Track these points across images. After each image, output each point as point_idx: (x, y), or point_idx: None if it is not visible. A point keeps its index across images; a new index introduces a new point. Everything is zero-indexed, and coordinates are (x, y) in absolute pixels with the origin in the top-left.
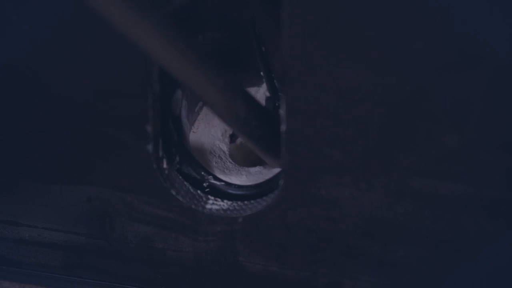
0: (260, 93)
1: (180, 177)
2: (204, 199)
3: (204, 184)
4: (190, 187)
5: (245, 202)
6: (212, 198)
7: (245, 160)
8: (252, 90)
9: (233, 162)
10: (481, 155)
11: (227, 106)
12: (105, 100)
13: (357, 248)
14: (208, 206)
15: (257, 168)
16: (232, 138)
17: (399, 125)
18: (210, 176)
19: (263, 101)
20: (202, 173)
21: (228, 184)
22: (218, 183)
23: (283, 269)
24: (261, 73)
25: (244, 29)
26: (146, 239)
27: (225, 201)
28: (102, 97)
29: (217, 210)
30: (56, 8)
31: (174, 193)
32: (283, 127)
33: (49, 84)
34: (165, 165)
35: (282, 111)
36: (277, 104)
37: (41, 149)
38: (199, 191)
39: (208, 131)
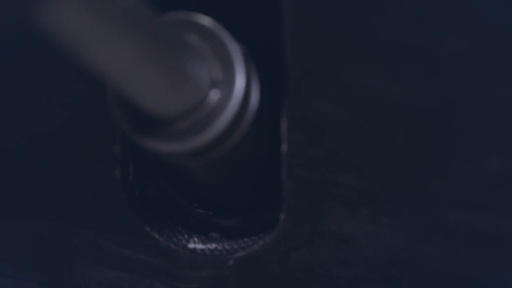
0: None
1: (156, 208)
2: (186, 236)
3: (188, 216)
4: (168, 221)
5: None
6: (196, 235)
7: None
8: None
9: None
10: None
11: None
12: (62, 115)
13: None
14: (191, 245)
15: None
16: None
17: (428, 145)
18: (196, 205)
19: None
20: (186, 201)
21: (219, 212)
22: (206, 212)
23: None
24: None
25: None
26: (113, 287)
27: (213, 237)
28: (58, 111)
29: (202, 250)
30: None
31: (148, 229)
32: (284, 147)
33: None
34: (136, 194)
35: (282, 128)
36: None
37: None
38: (179, 226)
39: None
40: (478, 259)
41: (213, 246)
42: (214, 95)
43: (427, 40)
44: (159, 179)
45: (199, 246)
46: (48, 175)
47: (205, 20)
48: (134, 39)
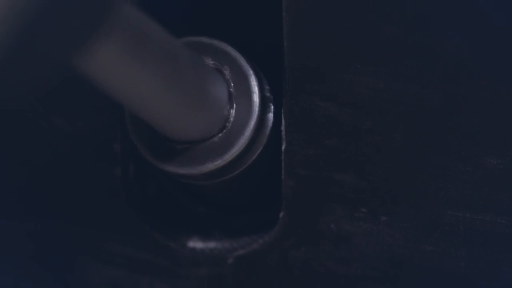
0: None
1: (156, 207)
2: (185, 235)
3: (188, 215)
4: (168, 220)
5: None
6: (196, 234)
7: None
8: None
9: None
10: None
11: None
12: (61, 112)
13: None
14: (191, 244)
15: None
16: None
17: (427, 144)
18: (197, 204)
19: None
20: (187, 201)
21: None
22: (207, 211)
23: None
24: None
25: None
26: (113, 285)
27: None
28: (57, 108)
29: (201, 249)
30: None
31: (148, 228)
32: (282, 146)
33: None
34: (136, 193)
35: (281, 126)
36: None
37: None
38: (179, 225)
39: None
40: (476, 257)
41: (212, 245)
42: (233, 116)
43: (425, 39)
44: (159, 179)
45: (199, 245)
46: (49, 174)
47: (216, 41)
48: (165, 70)
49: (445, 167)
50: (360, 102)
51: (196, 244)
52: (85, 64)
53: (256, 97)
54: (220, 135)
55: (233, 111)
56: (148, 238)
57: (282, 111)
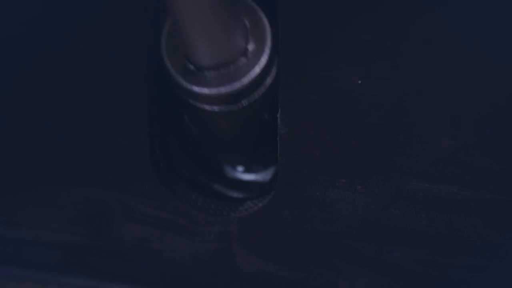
0: None
1: (178, 177)
2: (201, 200)
3: (203, 185)
4: (187, 188)
5: (244, 203)
6: (210, 199)
7: None
8: None
9: None
10: (475, 157)
11: None
12: (103, 101)
13: (352, 249)
14: (206, 207)
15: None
16: None
17: (394, 127)
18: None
19: None
20: (202, 174)
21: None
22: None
23: (280, 269)
24: None
25: None
26: (142, 240)
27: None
28: (100, 98)
29: (214, 211)
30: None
31: (170, 194)
32: (280, 131)
33: (52, 85)
34: (162, 166)
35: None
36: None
37: (40, 151)
38: (196, 192)
39: None
40: (433, 219)
41: (222, 208)
42: (250, 49)
43: (392, 42)
44: (180, 156)
45: (212, 207)
46: (90, 151)
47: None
48: None
49: (408, 146)
50: (343, 94)
51: (209, 207)
52: None
53: (269, 35)
54: (242, 58)
55: (251, 43)
56: (170, 202)
57: (279, 102)
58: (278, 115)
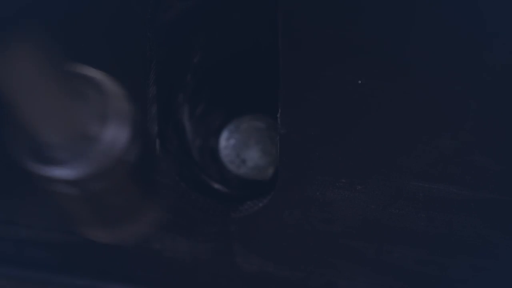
0: None
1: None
2: (201, 200)
3: (205, 187)
4: (188, 190)
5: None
6: (211, 199)
7: None
8: None
9: None
10: (475, 157)
11: None
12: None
13: (352, 249)
14: (206, 207)
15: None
16: None
17: (395, 127)
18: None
19: None
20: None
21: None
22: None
23: (280, 269)
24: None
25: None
26: (142, 240)
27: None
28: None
29: (214, 211)
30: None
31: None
32: (280, 131)
33: None
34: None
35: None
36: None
37: None
38: (197, 194)
39: None
40: (432, 218)
41: (222, 208)
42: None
43: (392, 42)
44: (180, 156)
45: (212, 207)
46: None
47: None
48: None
49: (408, 146)
50: (345, 95)
51: (210, 207)
52: None
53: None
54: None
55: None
56: (171, 203)
57: (278, 101)
58: (278, 115)
